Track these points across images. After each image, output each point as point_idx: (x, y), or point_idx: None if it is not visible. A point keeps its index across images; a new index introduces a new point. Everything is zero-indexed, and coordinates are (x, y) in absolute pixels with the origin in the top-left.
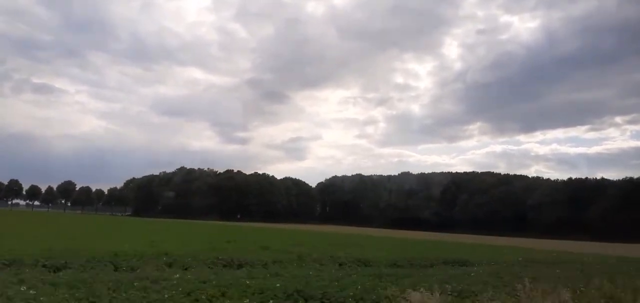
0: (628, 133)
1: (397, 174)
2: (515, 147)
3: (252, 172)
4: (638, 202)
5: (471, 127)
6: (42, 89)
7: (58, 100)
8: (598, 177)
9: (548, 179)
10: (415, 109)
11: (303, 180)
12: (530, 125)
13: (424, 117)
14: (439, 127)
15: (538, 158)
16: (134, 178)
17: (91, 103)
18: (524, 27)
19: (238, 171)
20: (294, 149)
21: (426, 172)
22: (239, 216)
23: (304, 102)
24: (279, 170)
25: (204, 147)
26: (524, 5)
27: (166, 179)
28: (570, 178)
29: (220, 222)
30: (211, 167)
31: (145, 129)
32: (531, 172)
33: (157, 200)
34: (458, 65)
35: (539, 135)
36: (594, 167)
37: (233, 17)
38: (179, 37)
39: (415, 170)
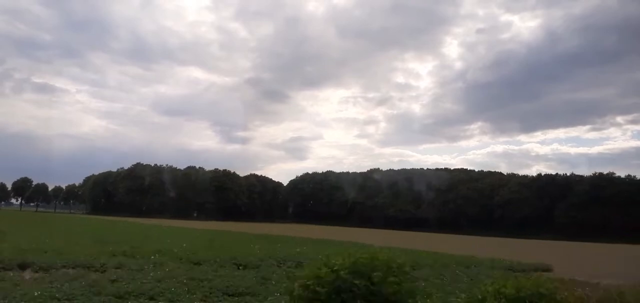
0: (630, 133)
1: (365, 170)
2: (516, 147)
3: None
4: (607, 199)
5: (472, 126)
6: (43, 89)
7: (59, 100)
8: (568, 173)
9: (517, 175)
10: (416, 108)
11: (275, 178)
12: (531, 125)
13: (425, 117)
14: (440, 126)
15: (539, 158)
16: (93, 174)
17: (92, 102)
18: (524, 26)
19: (200, 168)
20: (295, 149)
21: (395, 169)
22: (195, 214)
23: (304, 101)
24: (280, 170)
25: (205, 146)
26: (524, 4)
27: (122, 176)
28: (539, 174)
29: (159, 221)
30: (203, 166)
31: (145, 129)
32: (532, 171)
33: (112, 198)
34: (458, 65)
35: (539, 135)
36: (596, 168)
37: (233, 17)
38: (179, 36)
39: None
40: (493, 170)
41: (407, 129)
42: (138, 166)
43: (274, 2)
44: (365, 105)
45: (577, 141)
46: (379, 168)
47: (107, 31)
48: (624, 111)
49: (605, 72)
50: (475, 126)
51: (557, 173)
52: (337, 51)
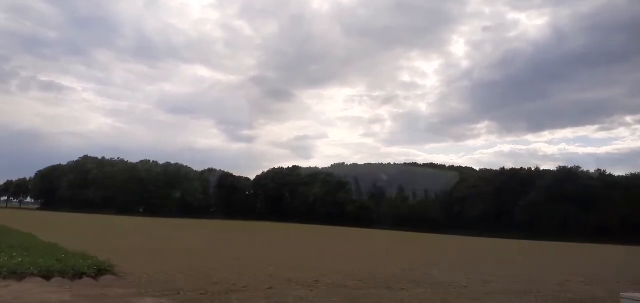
0: (638, 133)
1: (329, 166)
2: (524, 147)
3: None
4: (571, 195)
5: (478, 126)
6: (49, 87)
7: (65, 98)
8: (533, 168)
9: (481, 169)
10: (422, 107)
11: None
12: (538, 124)
13: (431, 116)
14: (446, 126)
15: (546, 158)
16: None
17: (98, 101)
18: (531, 25)
19: (154, 161)
20: (300, 148)
21: (360, 164)
22: (141, 210)
23: (309, 100)
24: None
25: (210, 145)
26: (531, 2)
27: (67, 169)
28: (502, 169)
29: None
30: (213, 166)
31: (151, 127)
32: None
33: (56, 192)
34: (465, 63)
35: (547, 135)
36: (604, 168)
37: (238, 14)
38: (184, 34)
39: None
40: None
41: (413, 128)
42: (86, 159)
43: (278, 0)
44: (370, 104)
45: (585, 141)
46: (343, 163)
47: (112, 29)
48: (632, 111)
49: (613, 71)
50: (482, 125)
51: (522, 167)
52: (342, 49)
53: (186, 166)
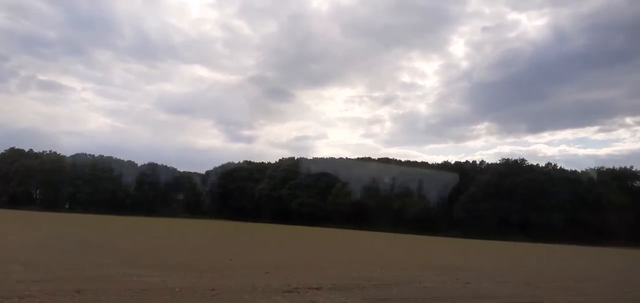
0: (639, 134)
1: (276, 161)
2: (524, 148)
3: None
4: (509, 191)
5: (478, 126)
6: (49, 86)
7: (65, 98)
8: (471, 160)
9: (422, 161)
10: (422, 108)
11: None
12: (538, 125)
13: (431, 117)
14: (446, 126)
15: (546, 159)
16: None
17: (97, 100)
18: (531, 25)
19: (82, 153)
20: (300, 148)
21: (308, 157)
22: (67, 206)
23: (309, 100)
24: None
25: (210, 145)
26: (531, 2)
27: None
28: (445, 162)
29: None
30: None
31: (150, 127)
32: None
33: None
34: (464, 64)
35: (547, 136)
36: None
37: (237, 14)
38: (183, 33)
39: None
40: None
41: (413, 129)
42: (11, 151)
43: None
44: (370, 104)
45: (585, 142)
46: (293, 158)
47: (111, 28)
48: (633, 112)
49: (613, 72)
50: (482, 126)
51: (467, 160)
52: (342, 49)
53: (121, 159)
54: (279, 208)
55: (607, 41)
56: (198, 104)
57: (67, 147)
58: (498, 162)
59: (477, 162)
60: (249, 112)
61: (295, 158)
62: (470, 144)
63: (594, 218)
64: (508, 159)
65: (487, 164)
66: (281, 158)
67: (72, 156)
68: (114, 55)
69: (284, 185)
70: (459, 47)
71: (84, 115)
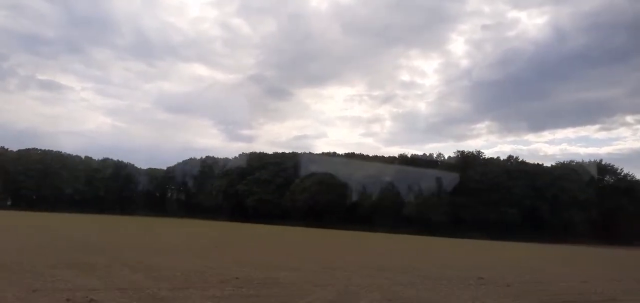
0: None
1: (236, 156)
2: (524, 147)
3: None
4: (459, 188)
5: (479, 125)
6: (48, 86)
7: (64, 97)
8: (426, 153)
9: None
10: (422, 107)
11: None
12: (539, 124)
13: (431, 116)
14: (446, 125)
15: (547, 158)
16: None
17: (97, 99)
18: (531, 23)
19: (33, 149)
20: (299, 147)
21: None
22: (9, 203)
23: (308, 99)
24: None
25: (210, 145)
26: (531, 0)
27: None
28: (402, 155)
29: None
30: None
31: (150, 126)
32: None
33: None
34: (464, 63)
35: (548, 135)
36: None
37: (236, 12)
38: (182, 32)
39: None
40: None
41: (413, 128)
42: None
43: None
44: (370, 103)
45: (586, 141)
46: (242, 152)
47: (110, 27)
48: (633, 110)
49: (614, 70)
50: (483, 125)
51: (424, 154)
52: (342, 48)
53: (69, 154)
54: (236, 205)
55: (608, 40)
56: (197, 103)
57: (68, 146)
58: (454, 154)
59: (435, 156)
60: (248, 111)
61: (257, 151)
62: (471, 142)
63: (555, 214)
64: (464, 151)
65: (443, 159)
66: (242, 152)
67: (18, 151)
68: (113, 54)
69: (240, 180)
70: (458, 45)
71: (84, 114)
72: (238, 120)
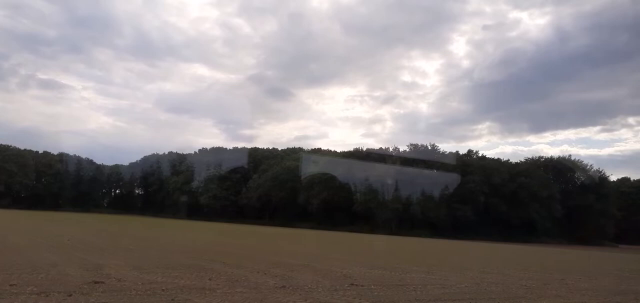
0: None
1: (196, 151)
2: (526, 148)
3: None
4: (409, 183)
5: (480, 126)
6: (49, 85)
7: (65, 97)
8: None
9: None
10: (423, 107)
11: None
12: (540, 125)
13: (432, 116)
14: (448, 126)
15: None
16: None
17: (98, 99)
18: (533, 24)
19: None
20: (301, 148)
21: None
22: None
23: (309, 99)
24: None
25: (211, 145)
26: (532, 1)
27: None
28: (358, 149)
29: None
30: None
31: (151, 126)
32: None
33: None
34: (465, 63)
35: (549, 136)
36: (606, 169)
37: (236, 12)
38: (183, 32)
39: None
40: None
41: (414, 129)
42: None
43: None
44: (371, 103)
45: (587, 142)
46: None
47: (110, 27)
48: (635, 112)
49: (616, 71)
50: (484, 126)
51: (381, 147)
52: (342, 48)
53: (17, 148)
54: (191, 202)
55: (610, 40)
56: (198, 103)
57: (68, 146)
58: (406, 148)
59: (385, 148)
60: (249, 111)
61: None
62: (472, 143)
63: (514, 212)
64: (417, 144)
65: (392, 153)
66: (201, 148)
67: None
68: (114, 54)
69: (196, 177)
70: (459, 46)
71: (85, 114)
72: (239, 120)
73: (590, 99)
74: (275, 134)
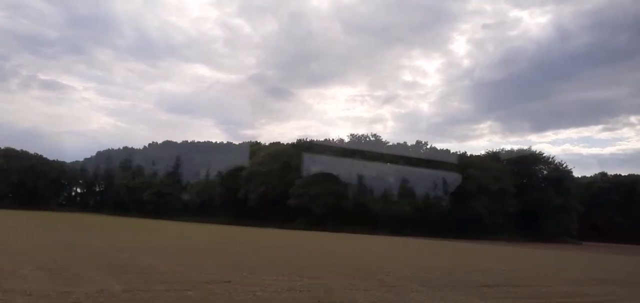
0: None
1: (145, 146)
2: (527, 148)
3: None
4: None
5: (481, 126)
6: (50, 86)
7: (66, 97)
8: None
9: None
10: (424, 107)
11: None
12: (541, 124)
13: (433, 116)
14: (449, 126)
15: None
16: None
17: (99, 100)
18: (533, 23)
19: None
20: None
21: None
22: None
23: (310, 99)
24: None
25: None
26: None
27: None
28: (300, 141)
29: None
30: None
31: (152, 127)
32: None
33: None
34: (466, 62)
35: (550, 135)
36: (607, 169)
37: (236, 12)
38: (183, 32)
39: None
40: None
41: (415, 129)
42: None
43: None
44: (372, 103)
45: (589, 141)
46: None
47: (111, 27)
48: (637, 111)
49: (617, 70)
50: (485, 125)
51: (312, 140)
52: (343, 48)
53: None
54: (135, 199)
55: (611, 39)
56: (199, 103)
57: (70, 147)
58: (346, 138)
59: (331, 140)
60: (250, 111)
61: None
62: (473, 143)
63: (459, 207)
64: (355, 134)
65: (328, 145)
66: (151, 142)
67: None
68: (114, 55)
69: (139, 174)
70: (460, 45)
71: (86, 114)
72: (240, 120)
73: (592, 98)
74: (276, 133)
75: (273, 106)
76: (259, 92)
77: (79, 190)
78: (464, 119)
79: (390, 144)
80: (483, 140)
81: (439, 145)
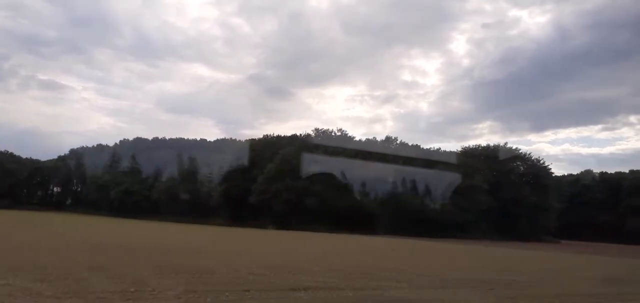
0: None
1: (117, 142)
2: (527, 147)
3: None
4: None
5: (481, 125)
6: (49, 86)
7: (65, 97)
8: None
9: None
10: (424, 106)
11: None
12: (541, 124)
13: (433, 115)
14: (448, 125)
15: (549, 158)
16: None
17: (98, 100)
18: (533, 22)
19: None
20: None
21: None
22: None
23: (310, 99)
24: None
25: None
26: None
27: None
28: (267, 136)
29: None
30: None
31: (152, 127)
32: None
33: None
34: (466, 62)
35: (550, 135)
36: (607, 168)
37: (236, 12)
38: (182, 32)
39: None
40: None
41: (415, 128)
42: None
43: None
44: (371, 103)
45: (588, 141)
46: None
47: (110, 27)
48: (636, 110)
49: (617, 70)
50: (485, 125)
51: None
52: (342, 48)
53: None
54: (103, 197)
55: (611, 38)
56: (198, 103)
57: (69, 147)
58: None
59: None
60: (249, 111)
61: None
62: (473, 142)
63: (425, 205)
64: (319, 128)
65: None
66: (123, 138)
67: None
68: (114, 54)
69: (108, 171)
70: (460, 44)
71: (85, 114)
72: (240, 120)
73: (591, 97)
74: (276, 133)
75: (272, 106)
76: (259, 91)
77: (55, 189)
78: (464, 118)
79: (357, 139)
80: (483, 139)
81: (440, 145)
